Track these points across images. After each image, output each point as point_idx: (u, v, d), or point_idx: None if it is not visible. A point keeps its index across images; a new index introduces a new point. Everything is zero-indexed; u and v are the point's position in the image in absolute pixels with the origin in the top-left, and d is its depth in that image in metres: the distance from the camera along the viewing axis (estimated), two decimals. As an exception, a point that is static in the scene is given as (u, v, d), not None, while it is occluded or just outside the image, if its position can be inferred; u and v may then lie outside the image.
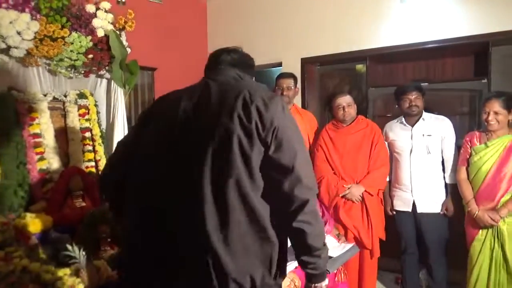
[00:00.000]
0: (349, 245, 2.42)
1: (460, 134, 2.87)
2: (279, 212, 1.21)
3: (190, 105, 1.28)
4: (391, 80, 3.81)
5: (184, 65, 4.22)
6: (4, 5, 2.26)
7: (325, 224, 2.62)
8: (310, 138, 3.04)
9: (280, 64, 4.07)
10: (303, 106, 3.91)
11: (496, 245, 2.35)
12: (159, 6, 3.89)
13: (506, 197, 2.34)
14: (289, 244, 1.31)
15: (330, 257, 2.30)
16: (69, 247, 2.26)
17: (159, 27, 3.92)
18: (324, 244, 1.29)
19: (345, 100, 2.81)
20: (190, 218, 1.17)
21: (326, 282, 1.36)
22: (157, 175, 1.26)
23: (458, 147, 2.72)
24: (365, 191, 2.68)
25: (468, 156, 2.52)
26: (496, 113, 2.37)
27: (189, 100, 1.29)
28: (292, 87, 3.01)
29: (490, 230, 2.37)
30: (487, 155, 2.40)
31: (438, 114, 2.92)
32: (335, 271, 2.31)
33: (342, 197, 2.71)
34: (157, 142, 1.30)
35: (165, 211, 1.22)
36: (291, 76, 3.07)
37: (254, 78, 1.47)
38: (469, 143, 2.53)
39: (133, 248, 1.30)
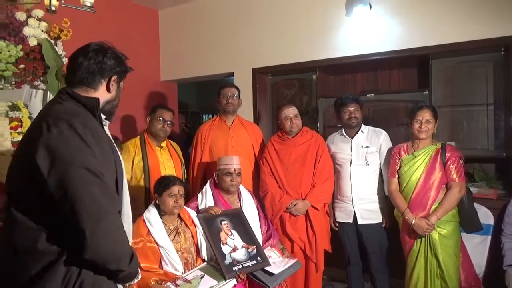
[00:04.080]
0: (292, 261, 2.40)
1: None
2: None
3: None
4: (341, 91, 3.86)
5: (134, 74, 4.10)
6: None
7: (270, 238, 2.60)
8: (255, 149, 3.01)
9: (231, 74, 4.04)
10: (255, 116, 3.89)
11: (429, 254, 2.41)
12: (106, 13, 3.76)
13: (436, 205, 2.42)
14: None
15: (272, 274, 2.27)
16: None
17: (107, 35, 3.78)
18: (130, 261, 1.25)
19: (292, 112, 2.81)
20: None
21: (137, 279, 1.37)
22: None
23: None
24: (311, 205, 2.67)
25: (397, 168, 2.59)
26: (428, 121, 2.47)
27: None
28: (236, 97, 3.00)
29: (423, 240, 2.44)
30: (416, 165, 2.48)
31: (381, 124, 2.98)
32: (277, 287, 2.28)
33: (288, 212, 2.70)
34: None
35: None
36: (235, 86, 3.09)
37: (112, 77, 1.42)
38: (398, 155, 2.59)
39: None
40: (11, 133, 2.69)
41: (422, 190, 2.44)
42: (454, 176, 2.39)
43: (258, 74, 3.90)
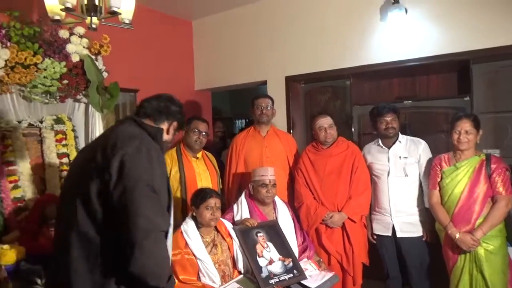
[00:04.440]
0: (329, 274, 2.36)
1: (445, 151, 2.83)
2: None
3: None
4: (376, 97, 3.79)
5: (169, 84, 4.21)
6: (-27, 35, 2.24)
7: (306, 250, 2.57)
8: (289, 159, 3.00)
9: (265, 82, 4.05)
10: (288, 124, 3.87)
11: (475, 271, 2.30)
12: (142, 26, 3.87)
13: (481, 219, 2.31)
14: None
15: (309, 288, 2.25)
16: (38, 280, 2.21)
17: (143, 47, 3.90)
18: (169, 279, 1.34)
19: (326, 122, 2.76)
20: None
21: None
22: None
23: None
24: (348, 218, 2.63)
25: (439, 179, 2.49)
26: (467, 132, 2.36)
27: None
28: (270, 107, 3.01)
29: (468, 255, 2.33)
30: (458, 177, 2.37)
31: (419, 132, 2.89)
32: (314, 300, 2.25)
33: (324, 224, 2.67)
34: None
35: None
36: (269, 96, 3.09)
37: (174, 121, 1.64)
38: (439, 166, 2.49)
39: None
40: (56, 145, 2.82)
41: (466, 204, 2.33)
42: (501, 189, 2.28)
43: (291, 82, 3.89)
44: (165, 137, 1.60)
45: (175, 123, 1.63)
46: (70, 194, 1.42)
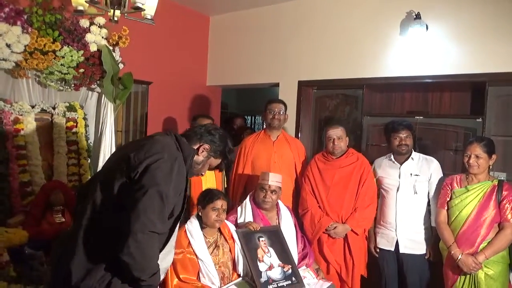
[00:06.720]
0: (326, 284, 2.37)
1: (451, 169, 2.85)
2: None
3: None
4: (387, 109, 3.78)
5: (182, 77, 4.22)
6: (-5, 17, 2.24)
7: (306, 257, 2.58)
8: (297, 166, 3.00)
9: (277, 85, 4.05)
10: (297, 128, 3.87)
11: None
12: (159, 17, 3.85)
13: (485, 243, 2.31)
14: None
15: (305, 296, 2.27)
16: (40, 266, 2.23)
17: (159, 37, 3.89)
18: (152, 275, 1.43)
19: (335, 133, 2.74)
20: None
21: None
22: None
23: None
24: (351, 230, 2.63)
25: (448, 199, 2.49)
26: (477, 156, 2.36)
27: None
28: (283, 113, 3.00)
29: (467, 277, 2.33)
30: (468, 199, 2.37)
31: (427, 149, 2.88)
32: (309, 310, 2.27)
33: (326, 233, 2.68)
34: None
35: None
36: (282, 102, 3.08)
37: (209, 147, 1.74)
38: (450, 186, 2.49)
39: None
40: (66, 132, 2.84)
41: (472, 226, 2.33)
42: (509, 216, 2.27)
43: (304, 86, 3.88)
44: (195, 157, 1.70)
45: (206, 146, 1.72)
46: (97, 179, 1.56)
